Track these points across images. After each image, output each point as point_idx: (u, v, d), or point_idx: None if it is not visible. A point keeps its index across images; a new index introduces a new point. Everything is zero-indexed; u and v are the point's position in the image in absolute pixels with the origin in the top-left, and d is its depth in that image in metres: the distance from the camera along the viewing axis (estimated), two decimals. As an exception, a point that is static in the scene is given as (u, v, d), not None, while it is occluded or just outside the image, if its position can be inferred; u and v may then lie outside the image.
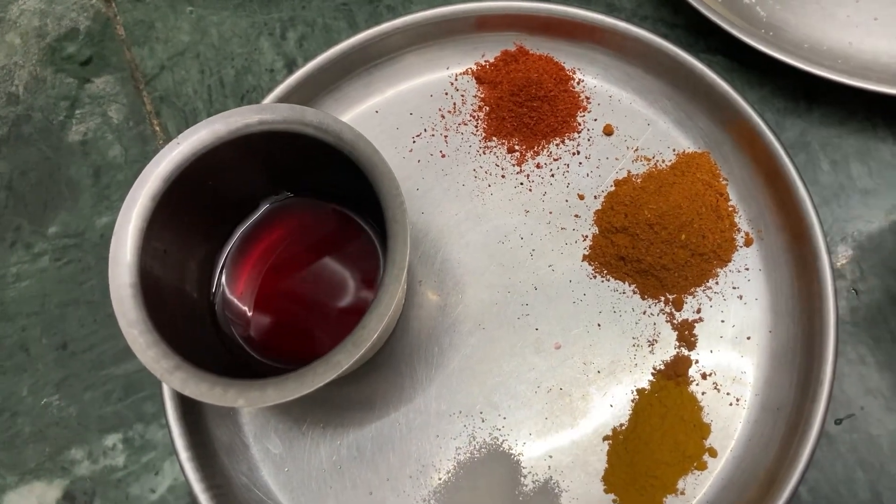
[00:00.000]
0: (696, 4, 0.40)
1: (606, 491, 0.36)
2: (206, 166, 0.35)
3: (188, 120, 0.46)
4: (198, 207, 0.37)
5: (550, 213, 0.41)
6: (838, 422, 0.37)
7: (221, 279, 0.38)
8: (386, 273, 0.33)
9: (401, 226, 0.33)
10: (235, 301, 0.38)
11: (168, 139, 0.46)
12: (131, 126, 0.47)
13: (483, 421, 0.38)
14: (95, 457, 0.41)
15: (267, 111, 0.35)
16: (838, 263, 0.39)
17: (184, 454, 0.37)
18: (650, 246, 0.37)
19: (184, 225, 0.36)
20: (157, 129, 0.46)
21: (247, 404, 0.31)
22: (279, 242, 0.39)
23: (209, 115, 0.45)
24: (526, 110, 0.41)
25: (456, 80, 0.44)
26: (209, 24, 0.48)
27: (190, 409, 0.38)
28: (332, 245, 0.39)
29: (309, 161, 0.37)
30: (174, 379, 0.32)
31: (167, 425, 0.37)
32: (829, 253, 0.36)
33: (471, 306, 0.40)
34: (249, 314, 0.38)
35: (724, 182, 0.39)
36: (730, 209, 0.39)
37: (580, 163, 0.41)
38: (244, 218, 0.40)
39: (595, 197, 0.40)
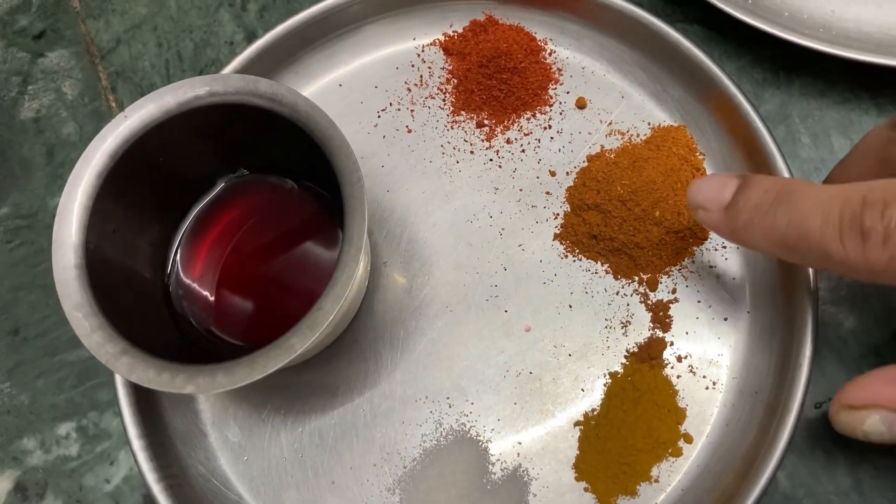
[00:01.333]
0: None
1: (578, 478, 0.35)
2: (156, 141, 0.33)
3: (145, 95, 0.44)
4: (149, 185, 0.35)
5: (521, 190, 0.39)
6: (818, 405, 0.35)
7: (176, 259, 0.37)
8: (343, 252, 0.31)
9: (358, 202, 0.31)
10: (191, 282, 0.37)
11: (124, 115, 0.44)
12: (86, 102, 0.45)
13: (450, 407, 0.36)
14: (48, 446, 0.39)
15: (218, 82, 0.33)
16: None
17: (137, 443, 0.35)
18: (623, 223, 0.36)
19: (134, 204, 0.35)
20: (113, 105, 0.44)
21: (196, 391, 0.30)
22: (236, 221, 0.37)
23: (167, 90, 0.44)
24: (495, 83, 0.39)
25: (423, 51, 0.42)
26: (167, -5, 0.46)
27: (144, 397, 0.36)
28: (291, 223, 0.37)
29: (264, 135, 0.35)
30: (120, 364, 0.30)
31: (120, 413, 0.36)
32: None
33: (438, 288, 0.38)
34: (206, 295, 0.36)
35: (700, 157, 0.38)
36: (706, 185, 0.37)
37: (552, 137, 0.40)
38: (200, 196, 0.38)
39: (567, 173, 0.39)
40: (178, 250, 0.37)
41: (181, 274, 0.37)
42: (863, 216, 0.25)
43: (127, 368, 0.30)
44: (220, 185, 0.38)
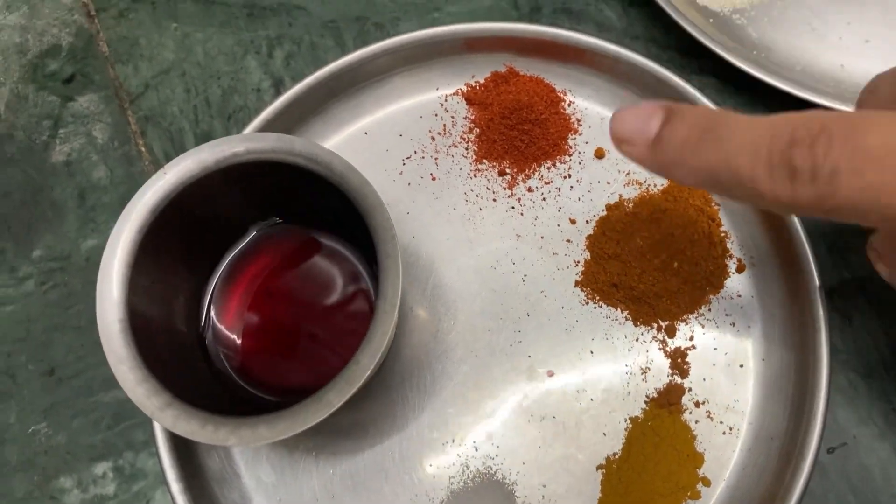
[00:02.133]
0: (686, 26, 0.40)
1: (600, 520, 0.36)
2: (193, 196, 0.35)
3: (174, 140, 0.45)
4: (184, 238, 0.36)
5: (542, 237, 0.40)
6: (831, 450, 0.37)
7: (210, 311, 0.38)
8: (378, 309, 0.32)
9: (393, 260, 0.33)
10: (225, 332, 0.38)
11: (153, 160, 0.45)
12: (116, 146, 0.46)
13: (476, 450, 0.38)
14: (85, 486, 0.40)
15: (255, 140, 0.34)
16: (831, 290, 0.39)
17: (175, 486, 0.37)
18: (643, 273, 0.37)
19: (170, 256, 0.36)
20: (143, 149, 0.46)
21: (239, 443, 0.31)
22: (268, 271, 0.39)
23: (195, 135, 0.45)
24: (517, 133, 0.41)
25: (446, 101, 0.43)
26: (194, 42, 0.47)
27: (181, 440, 0.38)
28: (322, 273, 0.39)
29: (298, 189, 0.36)
30: (166, 416, 0.31)
31: (157, 455, 0.37)
32: (822, 281, 0.36)
33: (463, 332, 0.39)
34: (240, 345, 0.38)
35: (715, 207, 0.39)
36: (722, 235, 0.39)
37: (571, 186, 0.41)
38: (231, 245, 0.39)
39: (587, 221, 0.40)
40: (212, 301, 0.38)
41: (216, 324, 0.38)
42: (791, 154, 0.25)
43: (172, 421, 0.31)
44: (252, 234, 0.40)
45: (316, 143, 0.34)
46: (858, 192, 0.24)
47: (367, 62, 0.42)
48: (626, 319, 0.39)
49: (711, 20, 0.43)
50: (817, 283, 0.36)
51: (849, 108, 0.38)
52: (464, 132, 0.42)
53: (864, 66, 0.42)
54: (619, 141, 0.30)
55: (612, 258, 0.38)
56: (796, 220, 0.37)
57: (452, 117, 0.43)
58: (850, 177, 0.24)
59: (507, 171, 0.41)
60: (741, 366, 0.37)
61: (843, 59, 0.42)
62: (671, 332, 0.38)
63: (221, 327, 0.38)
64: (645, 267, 0.37)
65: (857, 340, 0.38)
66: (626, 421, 0.37)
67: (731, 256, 0.39)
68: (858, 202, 0.24)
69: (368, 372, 0.31)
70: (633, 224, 0.38)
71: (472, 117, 0.42)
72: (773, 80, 0.39)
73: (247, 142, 0.34)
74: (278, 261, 0.39)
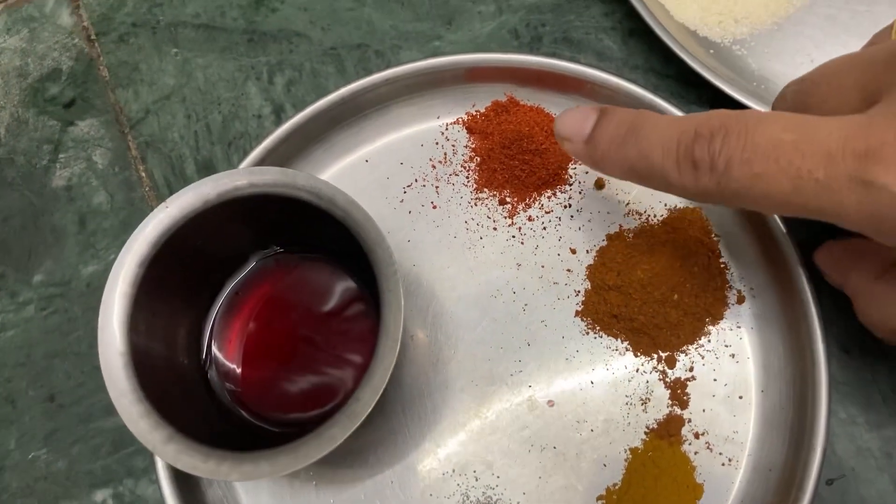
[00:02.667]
0: (685, 58, 0.40)
1: (600, 551, 0.36)
2: (195, 229, 0.35)
3: (174, 166, 0.45)
4: (185, 270, 0.36)
5: (542, 266, 0.40)
6: (829, 482, 0.37)
7: (211, 343, 0.38)
8: (380, 344, 0.32)
9: (395, 295, 0.33)
10: (227, 363, 0.38)
11: (153, 185, 0.45)
12: (116, 171, 0.46)
13: (476, 479, 0.38)
14: (85, 513, 0.40)
15: (257, 174, 0.35)
16: (829, 322, 0.39)
17: (175, 515, 0.37)
18: (643, 305, 0.37)
19: (171, 289, 0.36)
20: (143, 175, 0.46)
21: (241, 478, 0.31)
22: (268, 301, 0.39)
23: (196, 161, 0.45)
24: (517, 163, 0.41)
25: (446, 129, 0.43)
26: (195, 67, 0.47)
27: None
28: (322, 301, 0.39)
29: (299, 221, 0.36)
30: (167, 451, 0.32)
31: (158, 484, 0.37)
32: (821, 314, 0.36)
33: (463, 362, 0.39)
34: (241, 376, 0.38)
35: (716, 238, 0.39)
36: (721, 266, 0.39)
37: (572, 216, 0.41)
38: (231, 275, 0.40)
39: (587, 251, 0.40)
40: (213, 332, 0.38)
41: (217, 355, 0.38)
42: (693, 147, 0.29)
43: (174, 456, 0.31)
44: (252, 263, 0.40)
45: (318, 177, 0.34)
46: (749, 181, 0.28)
47: (368, 91, 0.42)
48: (627, 350, 0.39)
49: (711, 51, 0.43)
50: (816, 314, 0.36)
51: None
52: (464, 161, 0.43)
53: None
54: (561, 139, 0.35)
55: (613, 289, 0.38)
56: (794, 253, 0.37)
57: (453, 146, 0.43)
58: (741, 167, 0.28)
59: (508, 199, 0.42)
60: (740, 397, 0.38)
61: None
62: (671, 363, 0.38)
63: (223, 358, 0.38)
64: (645, 299, 0.37)
65: (856, 371, 0.38)
66: (626, 451, 0.37)
67: (730, 288, 0.39)
68: (749, 189, 0.28)
69: (370, 408, 0.31)
70: (634, 255, 0.38)
71: (473, 146, 0.43)
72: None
73: (249, 175, 0.35)
74: (278, 290, 0.39)
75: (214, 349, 0.38)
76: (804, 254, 0.37)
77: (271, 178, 0.34)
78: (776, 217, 0.38)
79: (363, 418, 0.31)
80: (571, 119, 0.35)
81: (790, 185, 0.27)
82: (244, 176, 0.34)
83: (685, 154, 0.29)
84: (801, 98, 0.33)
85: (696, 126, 0.29)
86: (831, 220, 0.28)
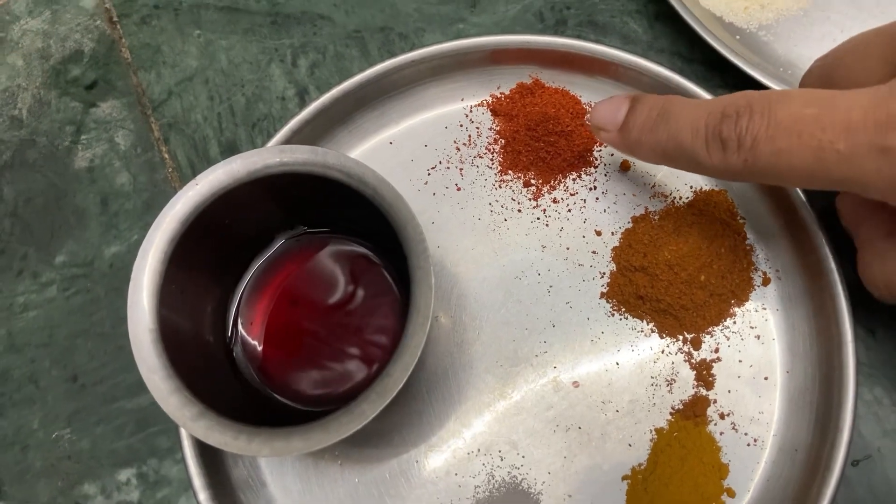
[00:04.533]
0: (712, 42, 0.40)
1: (625, 530, 0.37)
2: (223, 207, 0.35)
3: (197, 148, 0.45)
4: (213, 248, 0.36)
5: (567, 248, 0.41)
6: (855, 463, 0.37)
7: (237, 321, 0.38)
8: (410, 321, 0.32)
9: (424, 272, 0.33)
10: (252, 342, 0.38)
11: (177, 167, 0.45)
12: (139, 153, 0.46)
13: (502, 459, 0.38)
14: (109, 492, 0.41)
15: (288, 152, 0.35)
16: (855, 303, 0.39)
17: (202, 494, 0.37)
18: (669, 286, 0.37)
19: (199, 266, 0.36)
20: (166, 156, 0.46)
21: (272, 454, 0.31)
22: (294, 280, 0.39)
23: (220, 143, 0.45)
24: (542, 145, 0.41)
25: (471, 111, 0.43)
26: (218, 49, 0.47)
27: (208, 448, 0.38)
28: (348, 281, 0.39)
29: (327, 200, 0.36)
30: (198, 427, 0.31)
31: (184, 462, 0.37)
32: (848, 295, 0.36)
33: (488, 343, 0.40)
34: (266, 354, 0.38)
35: (741, 221, 0.39)
36: (747, 248, 0.39)
37: (597, 198, 0.41)
38: (257, 254, 0.40)
39: (612, 233, 0.40)
40: (239, 310, 0.38)
41: (242, 333, 0.38)
42: (721, 128, 0.30)
43: (204, 432, 0.31)
44: (279, 243, 0.40)
45: (348, 156, 0.35)
46: (774, 156, 0.29)
47: (393, 73, 0.42)
48: (652, 331, 0.39)
49: (738, 37, 0.43)
50: (843, 296, 0.36)
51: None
52: (489, 143, 0.43)
53: (889, 81, 0.42)
54: (596, 128, 0.37)
55: (639, 270, 0.38)
56: (821, 235, 0.37)
57: (477, 128, 0.43)
58: (765, 143, 0.29)
59: (533, 182, 0.42)
60: (766, 378, 0.38)
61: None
62: (697, 345, 0.38)
63: (248, 337, 0.38)
64: (672, 279, 0.37)
65: (880, 353, 0.38)
66: (651, 432, 0.37)
67: (756, 269, 0.39)
68: (775, 165, 0.29)
69: (400, 384, 0.31)
70: (660, 237, 0.38)
71: (498, 128, 0.43)
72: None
73: (280, 154, 0.35)
74: (304, 269, 0.39)
75: (240, 327, 0.38)
76: (830, 235, 0.37)
77: (302, 156, 0.34)
78: (802, 197, 0.38)
79: (394, 394, 0.31)
80: (604, 109, 0.36)
81: (812, 157, 0.27)
82: (275, 154, 0.34)
83: (713, 134, 0.30)
84: (826, 73, 0.34)
85: (723, 107, 0.30)
86: (855, 189, 0.28)
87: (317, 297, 0.39)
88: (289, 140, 0.41)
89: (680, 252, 0.37)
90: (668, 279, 0.37)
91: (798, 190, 0.38)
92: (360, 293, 0.39)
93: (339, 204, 0.36)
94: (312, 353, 0.38)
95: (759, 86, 0.40)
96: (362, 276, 0.39)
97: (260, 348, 0.38)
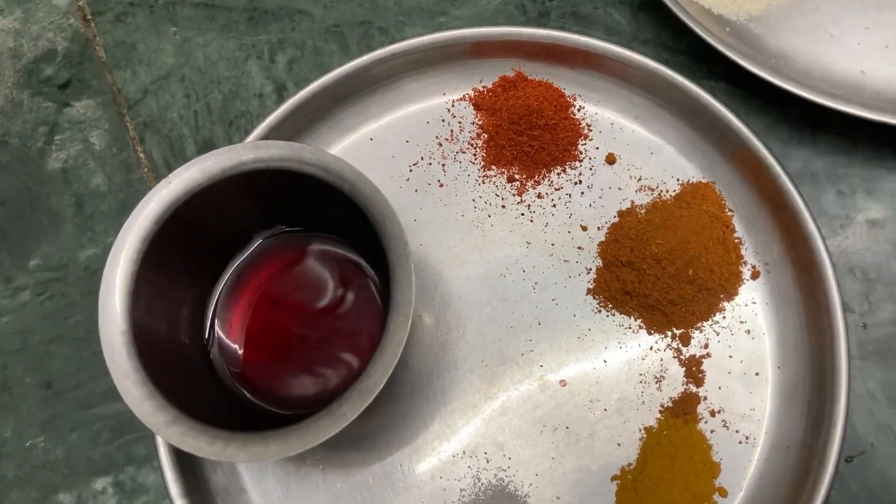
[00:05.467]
0: (701, 33, 0.39)
1: (615, 532, 0.36)
2: (198, 205, 0.34)
3: (174, 147, 0.44)
4: (188, 248, 0.35)
5: (553, 244, 0.40)
6: (849, 459, 0.36)
7: (215, 323, 0.37)
8: (390, 320, 0.31)
9: (405, 270, 0.32)
10: (230, 344, 0.37)
11: (153, 167, 0.44)
12: (114, 153, 0.45)
13: (488, 461, 0.37)
14: (85, 501, 0.39)
15: (262, 148, 0.33)
16: (846, 296, 0.38)
17: (179, 502, 0.36)
18: (657, 281, 0.37)
19: (174, 267, 0.35)
20: (142, 156, 0.45)
21: (249, 459, 0.30)
22: (272, 281, 0.38)
23: (196, 142, 0.44)
24: (526, 139, 0.40)
25: (453, 106, 0.42)
26: (194, 46, 0.46)
27: (185, 455, 0.37)
28: (327, 280, 0.38)
29: (305, 197, 0.35)
30: (172, 433, 0.30)
31: (161, 470, 0.36)
32: (839, 287, 0.35)
33: (473, 342, 0.39)
34: (245, 357, 0.37)
35: (729, 213, 0.39)
36: (736, 241, 0.38)
37: (582, 192, 0.40)
38: (235, 255, 0.38)
39: (598, 228, 0.40)
40: (216, 312, 0.37)
41: (220, 335, 0.37)
42: None
43: (179, 438, 0.30)
44: (256, 243, 0.39)
45: (326, 151, 0.34)
46: None
47: (373, 67, 0.41)
48: (640, 328, 0.38)
49: (728, 29, 0.42)
50: (835, 290, 0.35)
51: (870, 115, 0.38)
52: (471, 138, 0.42)
53: (885, 71, 0.41)
54: None
55: (626, 266, 0.37)
56: (812, 227, 0.36)
57: (460, 123, 0.42)
58: None
59: (517, 177, 0.41)
60: (757, 374, 0.37)
61: (862, 64, 0.41)
62: (686, 340, 0.37)
63: (226, 339, 0.37)
64: (660, 274, 0.36)
65: (874, 347, 0.38)
66: (640, 431, 0.37)
67: (745, 263, 0.38)
68: None
69: (381, 385, 0.30)
70: (647, 231, 0.37)
71: (480, 122, 0.42)
72: (792, 88, 0.38)
73: (254, 150, 0.33)
74: (282, 270, 0.38)
75: (217, 328, 0.37)
76: (821, 228, 0.36)
77: (277, 152, 0.33)
78: (795, 193, 0.37)
79: (374, 395, 0.30)
80: None
81: None
82: (249, 150, 0.33)
83: None
84: None
85: None
86: None
87: (297, 298, 0.38)
88: (266, 137, 0.40)
89: (667, 246, 0.36)
90: (655, 274, 0.37)
91: (787, 181, 0.37)
92: (341, 294, 0.38)
93: (317, 201, 0.35)
94: (292, 355, 0.37)
95: (751, 77, 0.39)
96: (343, 276, 0.38)
97: (238, 350, 0.37)
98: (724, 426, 0.36)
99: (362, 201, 0.33)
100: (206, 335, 0.37)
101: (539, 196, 0.40)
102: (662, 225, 0.37)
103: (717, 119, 0.39)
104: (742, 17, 0.43)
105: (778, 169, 0.37)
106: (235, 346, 0.37)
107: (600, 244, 0.39)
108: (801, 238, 0.37)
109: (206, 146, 0.44)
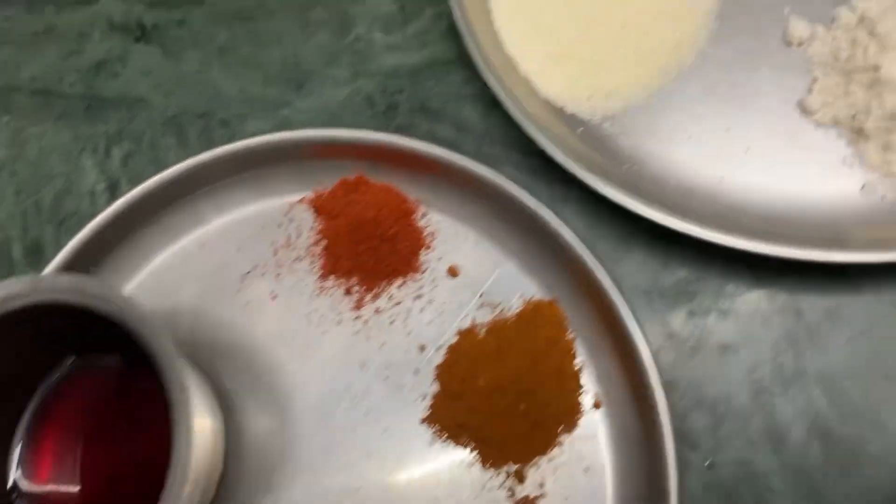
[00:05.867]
0: (545, 146, 0.37)
1: None
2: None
3: (0, 250, 0.41)
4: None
5: (388, 367, 0.37)
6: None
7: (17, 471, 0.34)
8: (170, 479, 0.28)
9: (181, 401, 0.29)
10: (43, 490, 0.34)
11: (-26, 272, 0.41)
12: (-67, 259, 0.42)
13: None
14: None
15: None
16: (692, 432, 0.35)
17: None
18: (488, 416, 0.34)
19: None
20: (-34, 257, 0.41)
21: None
22: (74, 415, 0.35)
23: (24, 244, 0.41)
24: (364, 248, 0.37)
25: (291, 209, 0.39)
26: (28, 137, 0.43)
27: None
28: (132, 403, 0.35)
29: (88, 327, 0.32)
30: None
31: None
32: (674, 420, 0.33)
33: (295, 483, 0.35)
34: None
35: (571, 336, 0.36)
36: (576, 369, 0.35)
37: (422, 308, 0.37)
38: (25, 401, 0.35)
39: (437, 349, 0.37)
40: (21, 461, 0.34)
41: (30, 484, 0.34)
42: None
43: None
44: (46, 383, 0.35)
45: (83, 276, 0.30)
46: None
47: (208, 166, 0.38)
48: (475, 461, 0.35)
49: (580, 130, 0.40)
50: (668, 432, 0.32)
51: (721, 241, 0.35)
52: (310, 244, 0.39)
53: (743, 177, 0.38)
54: None
55: (457, 398, 0.35)
56: (648, 358, 0.34)
57: (298, 227, 0.39)
58: None
59: (355, 290, 0.38)
60: (595, 516, 0.34)
61: (722, 170, 0.39)
62: (521, 478, 0.34)
63: (37, 486, 0.34)
64: (489, 410, 0.34)
65: (718, 490, 0.35)
66: (471, 582, 0.34)
67: (586, 392, 0.35)
68: None
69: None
70: (480, 359, 0.35)
71: (320, 227, 0.39)
72: (641, 207, 0.35)
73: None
74: (83, 401, 0.35)
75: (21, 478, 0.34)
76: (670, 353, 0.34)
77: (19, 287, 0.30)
78: (631, 317, 0.34)
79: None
80: None
81: None
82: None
83: None
84: None
85: None
86: None
87: (98, 431, 0.35)
88: (91, 241, 0.37)
89: (498, 379, 0.34)
90: (485, 409, 0.34)
91: (624, 305, 0.34)
92: (146, 413, 0.34)
93: (100, 332, 0.32)
94: (105, 491, 0.34)
95: (597, 194, 0.36)
96: (144, 394, 0.35)
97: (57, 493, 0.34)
98: (559, 575, 0.33)
99: (130, 326, 0.30)
100: (9, 486, 0.34)
101: (377, 311, 0.38)
102: (495, 352, 0.35)
103: (557, 234, 0.36)
104: (596, 117, 0.40)
105: (614, 293, 0.34)
106: (50, 490, 0.34)
107: (438, 367, 0.36)
108: (638, 371, 0.34)
109: (34, 249, 0.41)
